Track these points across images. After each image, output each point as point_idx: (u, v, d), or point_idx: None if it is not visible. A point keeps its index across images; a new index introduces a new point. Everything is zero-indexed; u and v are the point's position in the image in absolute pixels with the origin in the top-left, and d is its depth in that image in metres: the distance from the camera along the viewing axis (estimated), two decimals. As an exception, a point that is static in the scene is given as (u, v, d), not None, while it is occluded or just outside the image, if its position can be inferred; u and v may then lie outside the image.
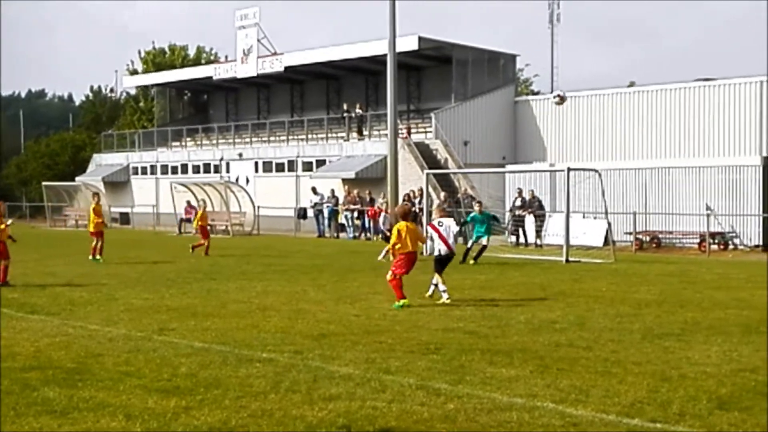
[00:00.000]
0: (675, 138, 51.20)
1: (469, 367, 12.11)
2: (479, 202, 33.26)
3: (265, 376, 11.51)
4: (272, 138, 64.27)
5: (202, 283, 23.28)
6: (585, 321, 16.44)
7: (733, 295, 20.63)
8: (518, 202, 41.70)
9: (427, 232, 21.75)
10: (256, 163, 61.66)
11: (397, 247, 19.09)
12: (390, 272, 19.25)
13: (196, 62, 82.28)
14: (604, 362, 12.44)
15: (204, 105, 78.43)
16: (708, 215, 36.42)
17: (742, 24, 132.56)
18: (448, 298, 19.32)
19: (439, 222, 20.56)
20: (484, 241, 30.19)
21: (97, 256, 30.83)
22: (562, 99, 19.56)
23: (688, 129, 50.82)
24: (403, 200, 44.27)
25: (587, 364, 12.33)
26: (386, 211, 34.10)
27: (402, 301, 18.56)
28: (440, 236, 20.24)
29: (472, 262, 29.52)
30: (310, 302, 19.42)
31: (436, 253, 20.48)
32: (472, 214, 30.98)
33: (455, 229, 20.74)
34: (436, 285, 19.96)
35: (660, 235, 39.04)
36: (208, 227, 35.53)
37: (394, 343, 13.92)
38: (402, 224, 19.10)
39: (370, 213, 46.95)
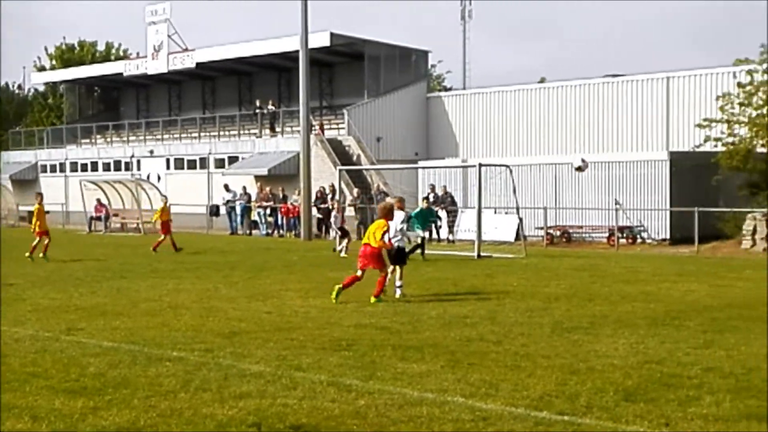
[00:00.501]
0: (584, 133, 51.85)
1: (380, 363, 12.14)
2: (426, 198, 33.52)
3: (175, 375, 11.41)
4: (184, 135, 63.77)
5: (112, 282, 23.01)
6: (496, 315, 16.58)
7: (641, 289, 20.97)
8: (431, 198, 41.86)
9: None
10: (168, 160, 61.13)
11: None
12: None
13: (106, 58, 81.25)
14: (514, 356, 12.55)
15: (114, 102, 77.44)
16: (617, 210, 36.96)
17: (648, 22, 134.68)
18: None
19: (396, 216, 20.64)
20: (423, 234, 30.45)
21: (40, 254, 30.32)
22: (582, 167, 19.48)
23: (596, 124, 51.50)
24: (316, 197, 44.25)
25: (497, 358, 12.43)
26: (338, 210, 34.20)
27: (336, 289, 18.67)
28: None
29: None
30: (221, 300, 19.31)
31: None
32: (417, 210, 30.77)
33: (400, 225, 20.92)
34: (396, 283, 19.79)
35: (570, 230, 39.53)
36: (170, 222, 35.18)
37: (306, 340, 13.90)
38: (379, 222, 19.08)
39: (283, 210, 46.82)
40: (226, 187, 50.85)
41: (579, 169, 19.52)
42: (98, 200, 54.20)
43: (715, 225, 35.34)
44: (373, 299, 18.58)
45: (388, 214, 19.47)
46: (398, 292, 19.48)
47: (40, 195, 33.59)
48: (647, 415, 9.34)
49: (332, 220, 34.34)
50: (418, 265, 27.78)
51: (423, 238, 30.44)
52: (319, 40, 51.95)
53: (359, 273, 18.96)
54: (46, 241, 30.67)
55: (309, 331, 14.85)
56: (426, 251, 30.23)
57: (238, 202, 49.53)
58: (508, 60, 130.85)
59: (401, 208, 21.81)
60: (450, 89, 75.81)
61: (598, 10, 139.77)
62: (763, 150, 35.67)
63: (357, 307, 17.85)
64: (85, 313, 17.25)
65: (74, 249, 36.18)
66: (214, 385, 10.79)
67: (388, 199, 23.17)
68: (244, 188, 50.16)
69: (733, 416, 9.30)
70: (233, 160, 56.80)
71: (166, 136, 64.55)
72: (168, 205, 36.09)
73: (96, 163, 66.09)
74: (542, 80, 64.46)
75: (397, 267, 20.02)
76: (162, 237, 34.17)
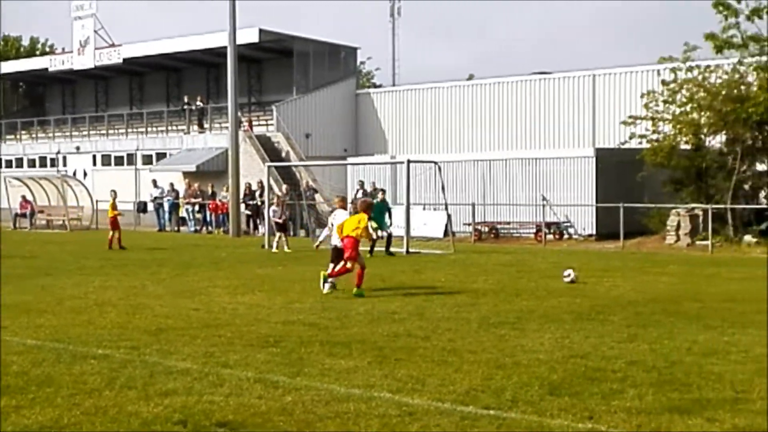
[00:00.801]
0: (512, 130, 52.25)
1: (307, 359, 12.13)
2: (383, 191, 33.61)
3: (99, 372, 11.30)
4: (111, 131, 63.16)
5: (37, 279, 22.70)
6: (424, 311, 16.63)
7: (567, 284, 21.15)
8: (360, 194, 41.88)
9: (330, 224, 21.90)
10: (94, 157, 60.55)
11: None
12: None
13: (31, 53, 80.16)
14: (441, 351, 12.61)
15: (40, 97, 76.47)
16: (544, 206, 37.28)
17: (576, 21, 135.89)
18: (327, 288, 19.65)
19: (335, 215, 21.25)
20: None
21: None
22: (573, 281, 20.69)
23: (524, 121, 51.91)
24: (245, 193, 44.06)
25: (425, 353, 12.48)
26: (277, 204, 34.09)
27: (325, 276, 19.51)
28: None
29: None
30: (148, 297, 19.15)
31: (332, 244, 20.96)
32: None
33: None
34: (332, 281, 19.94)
35: (498, 226, 39.81)
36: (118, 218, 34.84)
37: (234, 337, 13.84)
38: (360, 215, 19.74)
39: (211, 206, 46.57)
40: (154, 183, 50.43)
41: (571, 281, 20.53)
42: (23, 197, 53.45)
43: (640, 221, 35.82)
44: (356, 290, 18.87)
45: (368, 209, 20.27)
46: (327, 286, 19.64)
47: None
48: (571, 409, 9.45)
49: (271, 213, 34.19)
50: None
51: (390, 234, 30.78)
52: (248, 36, 51.80)
53: (349, 265, 19.34)
54: None
55: (236, 327, 14.79)
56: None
57: (165, 199, 49.14)
58: (437, 57, 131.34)
59: (343, 207, 22.10)
60: (379, 86, 75.93)
61: (527, 9, 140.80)
62: (687, 147, 36.18)
63: (285, 304, 17.82)
64: (8, 311, 16.98)
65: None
66: (139, 383, 10.71)
67: (336, 199, 23.54)
68: (172, 185, 49.76)
69: (656, 409, 9.44)
70: (161, 156, 56.40)
71: (92, 132, 63.88)
72: (115, 201, 35.77)
73: (21, 159, 65.26)
74: (471, 77, 64.72)
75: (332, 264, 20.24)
76: (112, 233, 33.85)
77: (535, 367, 11.48)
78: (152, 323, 15.31)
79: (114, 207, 34.67)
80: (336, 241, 20.41)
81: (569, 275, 21.34)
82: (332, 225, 20.94)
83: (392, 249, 31.02)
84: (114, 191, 37.85)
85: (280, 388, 10.40)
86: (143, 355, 12.48)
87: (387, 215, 31.54)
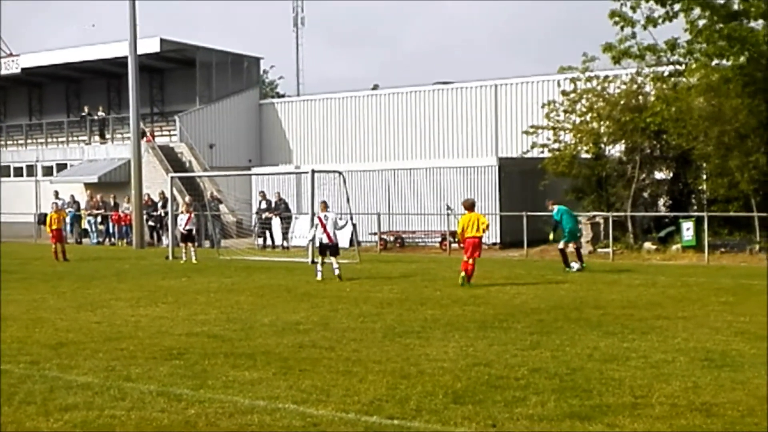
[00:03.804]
0: (416, 140, 52.44)
1: (211, 371, 12.05)
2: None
3: (-2, 388, 11.10)
4: (9, 142, 61.98)
5: (-67, 294, 22.17)
6: (329, 321, 16.64)
7: (471, 292, 21.31)
8: (263, 205, 41.72)
9: (314, 223, 26.65)
10: (-6, 168, 59.40)
11: (465, 234, 23.19)
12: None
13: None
14: (346, 362, 12.63)
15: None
16: (448, 215, 37.45)
17: (478, 29, 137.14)
18: (321, 276, 24.59)
19: (324, 216, 25.31)
20: None
21: None
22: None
23: (428, 131, 52.13)
24: (147, 204, 43.55)
25: (329, 364, 12.49)
26: (186, 212, 33.77)
27: (462, 277, 22.68)
28: (323, 228, 24.98)
29: None
30: (49, 310, 18.85)
31: (317, 241, 25.27)
32: None
33: (340, 223, 26.00)
34: (321, 269, 24.77)
35: (403, 235, 39.91)
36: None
37: (136, 350, 13.70)
38: (466, 215, 23.49)
39: (114, 218, 45.99)
40: (56, 194, 49.50)
41: None
42: None
43: (543, 229, 36.14)
44: (465, 282, 22.36)
45: (472, 207, 23.95)
46: (320, 275, 24.59)
47: None
48: (475, 417, 9.54)
49: (179, 221, 33.83)
50: (252, 272, 27.69)
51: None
52: (149, 45, 51.25)
53: (471, 261, 22.86)
54: None
55: (139, 340, 14.64)
56: (258, 258, 30.48)
57: (67, 210, 48.32)
58: (341, 67, 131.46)
59: (327, 209, 26.19)
60: (283, 96, 75.66)
61: (429, 19, 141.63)
62: (587, 156, 36.69)
63: (189, 316, 17.69)
64: None
65: None
66: (39, 398, 10.54)
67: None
68: (72, 197, 48.97)
69: (558, 416, 9.57)
70: (62, 167, 55.53)
71: (-9, 143, 62.61)
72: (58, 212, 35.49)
73: None
74: (375, 87, 64.88)
75: (332, 257, 24.97)
76: (54, 245, 33.68)
77: (440, 376, 11.56)
78: (53, 337, 15.08)
79: (57, 219, 34.41)
80: (322, 236, 24.94)
81: None
82: (317, 225, 25.43)
83: (294, 258, 31.09)
84: (56, 203, 37.55)
85: (183, 401, 10.33)
86: (43, 369, 12.29)
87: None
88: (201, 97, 56.65)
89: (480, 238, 23.30)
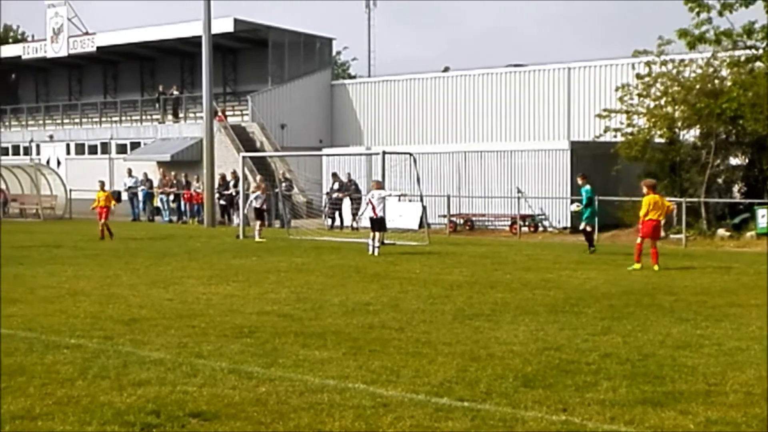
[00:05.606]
0: (488, 122, 52.24)
1: (282, 350, 12.11)
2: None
3: (72, 362, 11.25)
4: (84, 120, 62.77)
5: (9, 269, 22.48)
6: (398, 303, 16.64)
7: (541, 276, 21.21)
8: (335, 186, 41.85)
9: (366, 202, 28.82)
10: (68, 145, 60.20)
11: (646, 217, 22.87)
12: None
13: (4, 41, 79.50)
14: (416, 343, 12.62)
15: (13, 85, 75.76)
16: (519, 198, 37.31)
17: (551, 13, 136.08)
18: (377, 252, 26.28)
19: (371, 194, 27.23)
20: None
21: None
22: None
23: (500, 114, 51.90)
24: (219, 183, 43.87)
25: (399, 345, 12.48)
26: (261, 190, 34.12)
27: (635, 265, 22.54)
28: (372, 206, 26.74)
29: None
30: (122, 287, 19.07)
31: (367, 218, 27.64)
32: None
33: (385, 194, 27.71)
34: (374, 245, 26.37)
35: (473, 218, 39.80)
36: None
37: (207, 327, 13.81)
38: (649, 197, 22.93)
39: (186, 196, 46.42)
40: (129, 173, 50.09)
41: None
42: (-4, 185, 53.08)
43: (615, 214, 35.83)
44: (656, 267, 22.34)
45: (653, 188, 23.43)
46: (377, 251, 26.20)
47: None
48: (545, 401, 9.48)
49: (252, 198, 34.11)
50: (321, 252, 27.79)
51: None
52: (223, 25, 51.52)
53: (641, 243, 22.98)
54: None
55: (210, 318, 14.76)
56: (327, 238, 31.01)
57: (140, 188, 48.87)
58: (413, 48, 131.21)
59: (380, 187, 28.00)
60: (355, 77, 75.78)
61: (502, 2, 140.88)
62: (661, 140, 36.29)
63: (259, 294, 17.79)
64: (-20, 300, 16.89)
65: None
66: (112, 373, 10.67)
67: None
68: (146, 174, 49.46)
69: (629, 401, 9.48)
70: (135, 145, 56.12)
71: (66, 121, 63.46)
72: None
73: (-7, 147, 64.78)
74: (446, 69, 64.65)
75: (377, 233, 26.52)
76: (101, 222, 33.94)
77: (509, 360, 11.51)
78: (126, 313, 15.26)
79: (105, 198, 34.63)
80: (371, 214, 26.78)
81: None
82: (368, 202, 27.40)
83: (364, 239, 30.98)
84: (102, 181, 37.93)
85: (254, 379, 10.39)
86: (116, 345, 12.43)
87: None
88: (273, 78, 56.86)
89: (660, 221, 23.35)
